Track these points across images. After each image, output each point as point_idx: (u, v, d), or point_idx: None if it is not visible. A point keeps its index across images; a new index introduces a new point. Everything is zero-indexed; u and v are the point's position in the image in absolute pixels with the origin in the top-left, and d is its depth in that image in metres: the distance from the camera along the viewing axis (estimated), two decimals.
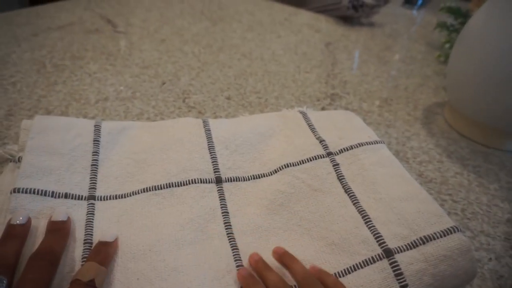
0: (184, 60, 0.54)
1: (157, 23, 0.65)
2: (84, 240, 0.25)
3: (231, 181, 0.30)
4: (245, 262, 0.24)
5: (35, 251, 0.22)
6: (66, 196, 0.27)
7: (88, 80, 0.46)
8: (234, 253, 0.25)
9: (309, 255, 0.25)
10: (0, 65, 0.47)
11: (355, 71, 0.57)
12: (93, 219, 0.26)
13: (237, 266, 0.24)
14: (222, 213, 0.27)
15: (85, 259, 0.24)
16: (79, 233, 0.25)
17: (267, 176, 0.31)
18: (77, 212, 0.26)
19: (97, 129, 0.32)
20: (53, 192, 0.27)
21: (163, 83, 0.48)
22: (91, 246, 0.24)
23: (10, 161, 0.31)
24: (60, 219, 0.25)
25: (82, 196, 0.28)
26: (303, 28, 0.70)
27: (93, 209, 0.27)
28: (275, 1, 0.85)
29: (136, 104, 0.43)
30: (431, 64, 0.62)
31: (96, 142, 0.31)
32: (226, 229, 0.26)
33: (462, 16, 0.63)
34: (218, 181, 0.30)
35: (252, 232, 0.26)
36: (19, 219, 0.24)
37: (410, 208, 0.26)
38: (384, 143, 0.34)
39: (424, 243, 0.24)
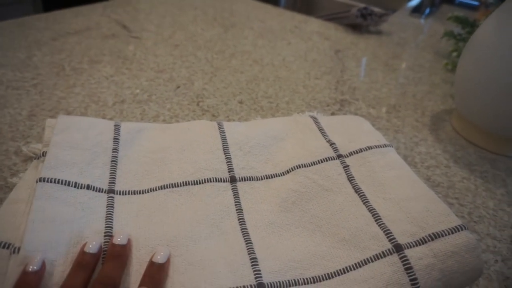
0: (197, 65, 0.55)
1: (171, 29, 0.67)
2: (105, 232, 0.26)
3: (245, 180, 0.31)
4: (259, 255, 0.25)
5: (96, 279, 0.23)
6: (88, 187, 0.28)
7: (106, 83, 0.48)
8: (248, 247, 0.26)
9: (320, 250, 0.26)
10: (22, 68, 0.49)
11: (364, 78, 0.58)
12: (112, 212, 0.28)
13: (251, 260, 0.25)
14: (236, 210, 0.29)
15: (106, 251, 0.25)
16: (99, 225, 0.26)
17: (279, 176, 0.32)
18: (97, 204, 0.28)
19: (117, 128, 0.34)
20: (75, 183, 0.28)
21: (178, 87, 0.49)
22: (110, 238, 0.26)
23: (34, 159, 0.32)
24: (121, 243, 0.25)
25: (102, 189, 0.29)
26: (313, 35, 0.72)
27: (113, 202, 0.28)
28: (286, 9, 0.87)
29: (152, 107, 0.44)
30: (438, 72, 0.63)
31: (116, 140, 0.33)
32: (240, 224, 0.27)
33: (470, 25, 0.64)
34: (233, 180, 0.31)
35: (265, 228, 0.27)
36: (90, 248, 0.24)
37: (419, 207, 0.27)
38: (392, 146, 0.35)
39: (432, 239, 0.25)
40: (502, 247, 0.32)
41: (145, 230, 0.27)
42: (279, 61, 0.59)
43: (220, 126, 0.35)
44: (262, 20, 0.77)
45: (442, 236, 0.25)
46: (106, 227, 0.26)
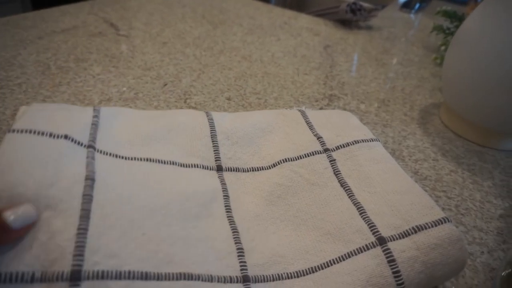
0: (185, 62, 0.55)
1: (159, 27, 0.66)
2: (86, 175, 0.24)
3: (231, 170, 0.31)
4: (245, 246, 0.25)
5: None
6: (66, 137, 0.25)
7: (92, 82, 0.47)
8: (235, 236, 0.25)
9: (305, 244, 0.26)
10: (6, 67, 0.48)
11: (353, 73, 0.58)
12: (94, 162, 0.25)
13: (237, 249, 0.24)
14: (223, 196, 0.28)
15: (86, 195, 0.22)
16: (79, 168, 0.24)
17: (265, 169, 0.32)
18: (76, 153, 0.25)
19: (97, 110, 0.31)
20: (51, 133, 0.25)
21: (165, 84, 0.49)
22: (93, 183, 0.23)
23: None
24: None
25: (81, 142, 0.26)
26: (302, 31, 0.72)
27: (93, 155, 0.26)
28: (275, 5, 0.86)
29: (139, 105, 0.44)
30: (427, 67, 0.63)
31: (96, 117, 0.30)
32: (227, 211, 0.27)
33: (458, 19, 0.64)
34: (219, 169, 0.30)
35: (250, 220, 0.27)
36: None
37: (404, 201, 0.27)
38: (379, 141, 0.35)
39: (416, 232, 0.25)
40: (488, 238, 0.32)
41: (129, 191, 0.24)
42: (268, 57, 0.59)
43: (208, 114, 0.35)
44: (252, 16, 0.77)
45: (425, 228, 0.25)
46: (88, 170, 0.24)
